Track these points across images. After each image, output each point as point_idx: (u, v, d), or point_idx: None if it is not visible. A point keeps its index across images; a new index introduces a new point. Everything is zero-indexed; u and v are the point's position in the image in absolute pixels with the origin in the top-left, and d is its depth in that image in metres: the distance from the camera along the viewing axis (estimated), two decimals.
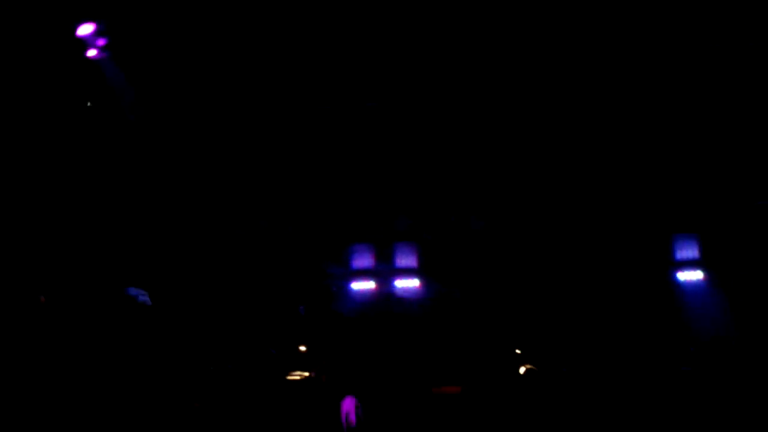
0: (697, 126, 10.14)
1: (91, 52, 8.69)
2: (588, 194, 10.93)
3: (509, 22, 9.14)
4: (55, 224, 8.88)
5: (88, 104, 9.47)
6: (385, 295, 11.44)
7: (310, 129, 10.06)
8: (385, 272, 11.46)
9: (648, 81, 9.69)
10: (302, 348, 10.26)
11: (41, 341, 7.84)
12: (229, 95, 9.62)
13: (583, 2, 8.79)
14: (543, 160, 10.66)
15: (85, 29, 8.41)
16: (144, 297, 9.02)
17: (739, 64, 9.44)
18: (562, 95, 9.91)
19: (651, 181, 10.82)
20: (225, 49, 9.12)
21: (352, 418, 5.45)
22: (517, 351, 10.07)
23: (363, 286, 11.39)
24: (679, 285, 11.46)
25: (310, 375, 9.37)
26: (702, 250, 11.60)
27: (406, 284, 11.46)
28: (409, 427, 7.01)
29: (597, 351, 10.25)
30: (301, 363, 9.80)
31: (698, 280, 11.43)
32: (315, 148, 10.23)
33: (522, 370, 9.41)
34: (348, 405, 5.80)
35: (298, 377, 9.36)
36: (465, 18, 9.11)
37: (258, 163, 10.19)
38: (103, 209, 9.37)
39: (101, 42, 8.71)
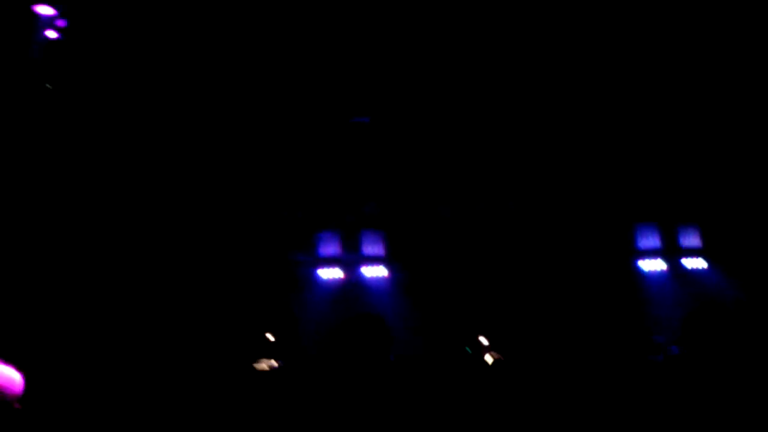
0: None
1: (51, 33, 8.49)
2: (552, 184, 11.00)
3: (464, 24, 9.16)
4: None
5: (48, 86, 9.20)
6: (353, 283, 11.43)
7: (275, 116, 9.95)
8: (352, 260, 11.44)
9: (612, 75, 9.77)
10: (270, 337, 10.18)
11: None
12: (194, 82, 9.44)
13: None
14: (508, 148, 10.70)
15: (46, 10, 8.18)
16: None
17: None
18: (524, 84, 9.94)
19: (614, 169, 10.93)
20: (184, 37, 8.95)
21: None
22: (483, 340, 10.13)
23: (330, 274, 11.36)
24: (642, 274, 11.64)
25: (278, 365, 9.30)
26: (664, 240, 11.79)
27: (374, 272, 11.46)
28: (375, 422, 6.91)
29: (561, 340, 10.35)
30: (268, 352, 9.73)
31: (661, 270, 11.62)
32: (281, 136, 10.13)
33: (489, 359, 9.46)
34: None
35: (265, 367, 9.28)
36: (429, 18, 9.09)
37: (219, 150, 10.05)
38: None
39: (61, 23, 8.50)
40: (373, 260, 11.51)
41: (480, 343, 10.24)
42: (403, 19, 9.12)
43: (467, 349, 10.17)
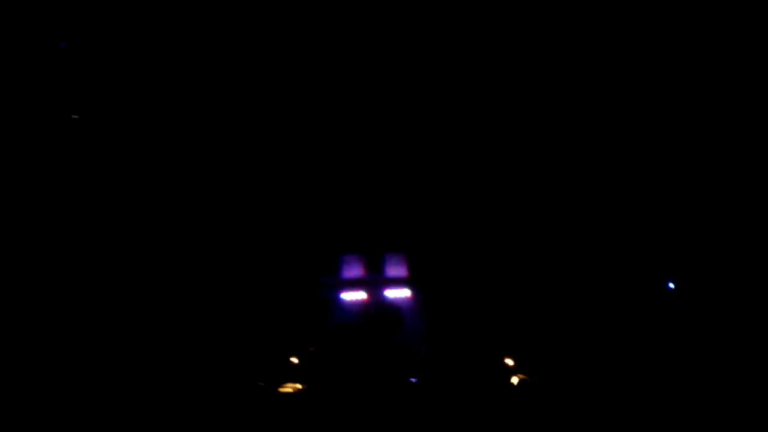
0: None
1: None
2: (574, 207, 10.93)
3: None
4: None
5: (74, 116, 9.41)
6: (376, 304, 11.43)
7: (300, 138, 10.05)
8: (375, 282, 11.46)
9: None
10: (294, 360, 10.21)
11: None
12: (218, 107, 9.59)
13: None
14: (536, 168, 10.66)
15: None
16: None
17: None
18: (555, 93, 9.88)
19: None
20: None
21: None
22: (509, 361, 10.08)
23: (354, 296, 11.38)
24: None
25: (302, 387, 9.32)
26: None
27: (397, 294, 11.46)
28: None
29: (584, 362, 10.27)
30: (293, 375, 9.75)
31: None
32: (306, 157, 10.22)
33: (515, 380, 9.41)
34: None
35: (290, 390, 9.29)
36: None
37: (248, 173, 10.16)
38: None
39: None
40: (396, 282, 11.52)
41: (506, 364, 10.19)
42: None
43: (491, 369, 10.14)
